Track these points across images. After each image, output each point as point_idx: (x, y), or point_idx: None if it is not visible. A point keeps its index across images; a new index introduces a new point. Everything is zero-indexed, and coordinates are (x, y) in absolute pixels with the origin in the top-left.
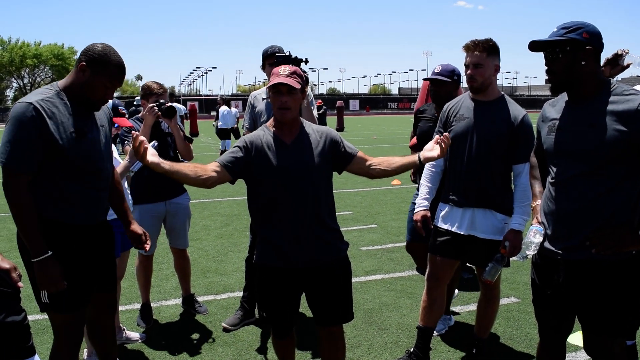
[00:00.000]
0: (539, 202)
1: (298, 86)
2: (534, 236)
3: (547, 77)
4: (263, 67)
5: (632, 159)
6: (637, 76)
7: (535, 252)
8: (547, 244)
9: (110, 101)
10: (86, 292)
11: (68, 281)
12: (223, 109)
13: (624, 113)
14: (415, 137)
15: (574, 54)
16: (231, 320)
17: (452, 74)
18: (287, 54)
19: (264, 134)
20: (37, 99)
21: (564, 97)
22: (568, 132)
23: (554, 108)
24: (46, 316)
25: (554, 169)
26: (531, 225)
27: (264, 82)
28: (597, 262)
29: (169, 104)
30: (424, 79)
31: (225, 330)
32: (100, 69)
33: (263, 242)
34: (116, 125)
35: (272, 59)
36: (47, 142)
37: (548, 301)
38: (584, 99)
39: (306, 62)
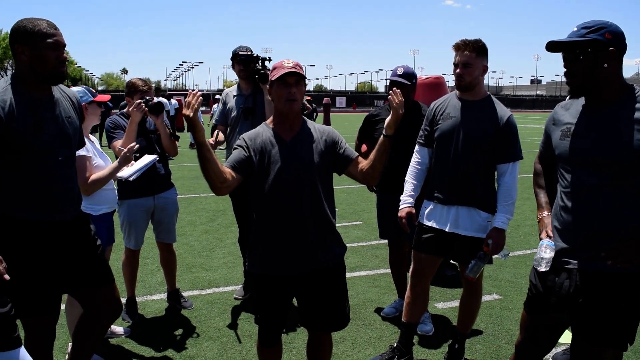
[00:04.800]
0: (546, 213)
1: (304, 75)
2: (545, 251)
3: (566, 80)
4: (233, 67)
5: None
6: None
7: (548, 268)
8: (560, 255)
9: (80, 90)
10: (51, 296)
11: (29, 284)
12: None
13: None
14: (367, 144)
15: (595, 56)
16: (241, 291)
17: (412, 77)
18: (250, 52)
19: (263, 130)
20: None
21: (579, 100)
22: (586, 138)
23: (568, 111)
24: None
25: (568, 177)
26: (540, 239)
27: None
28: (614, 274)
29: (156, 99)
30: (387, 79)
31: (236, 299)
32: (33, 37)
33: (258, 248)
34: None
35: (238, 58)
36: (1, 138)
37: (548, 309)
38: (605, 104)
39: (269, 60)
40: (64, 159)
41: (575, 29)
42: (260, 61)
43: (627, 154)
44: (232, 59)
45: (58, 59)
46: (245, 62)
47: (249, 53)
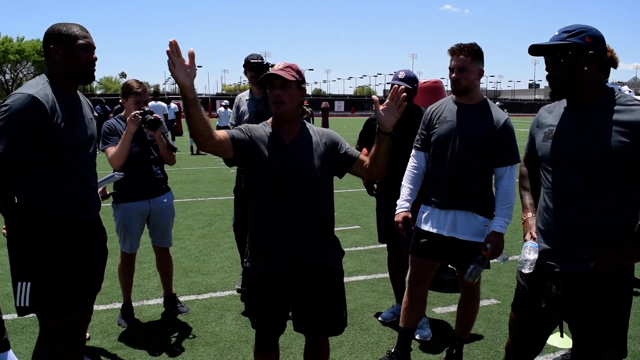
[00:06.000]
0: (530, 215)
1: (291, 78)
2: (529, 253)
3: (548, 83)
4: (245, 73)
5: (631, 173)
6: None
7: (532, 270)
8: (543, 257)
9: None
10: (78, 295)
11: (62, 282)
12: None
13: (629, 124)
14: (367, 147)
15: (575, 59)
16: (240, 282)
17: (413, 81)
18: (261, 60)
19: (264, 128)
20: (36, 90)
21: (561, 103)
22: (567, 140)
23: (551, 114)
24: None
25: (550, 178)
26: (524, 240)
27: (248, 83)
28: (597, 275)
29: (154, 115)
30: (388, 83)
31: (239, 291)
32: (68, 39)
33: (256, 246)
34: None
35: (250, 65)
36: (43, 133)
37: (537, 311)
38: (586, 106)
39: None
40: (89, 157)
41: (557, 33)
42: (270, 68)
43: (607, 155)
44: (244, 66)
45: (89, 59)
46: (257, 69)
47: (260, 61)
